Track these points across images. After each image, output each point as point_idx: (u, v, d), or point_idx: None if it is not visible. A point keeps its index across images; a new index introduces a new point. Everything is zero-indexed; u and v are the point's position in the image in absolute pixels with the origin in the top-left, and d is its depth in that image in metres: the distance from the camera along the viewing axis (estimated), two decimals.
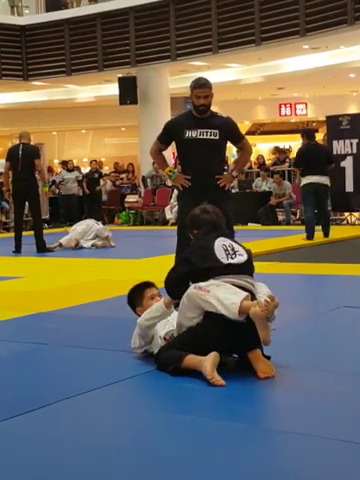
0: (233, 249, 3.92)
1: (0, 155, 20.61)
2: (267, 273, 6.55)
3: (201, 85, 5.40)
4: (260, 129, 29.82)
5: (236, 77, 21.16)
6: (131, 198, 18.53)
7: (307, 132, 11.96)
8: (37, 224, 11.09)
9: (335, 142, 14.22)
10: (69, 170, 18.51)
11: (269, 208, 15.39)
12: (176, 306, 4.04)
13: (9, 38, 19.53)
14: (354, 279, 7.15)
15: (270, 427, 3.03)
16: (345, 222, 14.92)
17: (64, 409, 3.34)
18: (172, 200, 16.23)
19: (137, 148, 20.15)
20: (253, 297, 3.75)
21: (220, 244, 3.93)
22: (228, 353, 3.87)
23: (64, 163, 20.73)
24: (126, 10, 18.33)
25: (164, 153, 5.91)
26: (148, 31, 18.09)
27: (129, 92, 18.66)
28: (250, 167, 18.21)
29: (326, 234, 11.20)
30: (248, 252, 4.01)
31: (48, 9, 20.06)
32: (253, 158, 19.68)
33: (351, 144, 14.41)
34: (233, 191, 14.23)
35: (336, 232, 12.26)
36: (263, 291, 3.84)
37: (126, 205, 18.40)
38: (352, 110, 23.30)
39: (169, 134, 5.63)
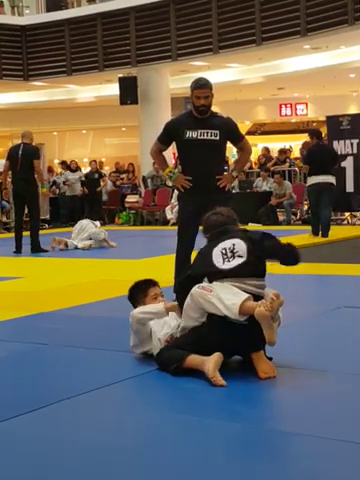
0: (232, 251, 3.87)
1: (0, 155, 20.58)
2: (267, 273, 6.53)
3: (201, 86, 5.39)
4: (260, 129, 29.82)
5: (236, 77, 21.16)
6: (131, 198, 18.53)
7: (316, 132, 12.15)
8: (34, 224, 11.09)
9: (335, 142, 14.22)
10: (72, 170, 18.52)
11: (270, 208, 15.39)
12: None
13: (9, 38, 19.53)
14: (354, 279, 7.15)
15: (271, 427, 3.03)
16: (345, 222, 14.92)
17: (64, 409, 3.34)
18: (173, 200, 16.24)
19: (137, 148, 20.14)
20: (258, 299, 3.71)
21: (220, 248, 3.91)
22: (230, 355, 3.86)
23: (63, 163, 20.76)
24: (126, 10, 18.33)
25: (164, 153, 5.91)
26: (149, 31, 18.09)
27: (129, 92, 18.66)
28: (250, 167, 18.20)
29: (324, 234, 11.31)
30: (256, 245, 3.88)
31: (48, 9, 20.06)
32: (254, 158, 19.67)
33: (351, 144, 14.42)
34: (233, 191, 14.23)
35: (336, 232, 12.26)
36: (269, 293, 3.81)
37: (126, 205, 18.40)
38: (352, 110, 23.29)
39: (169, 134, 5.63)
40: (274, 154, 19.71)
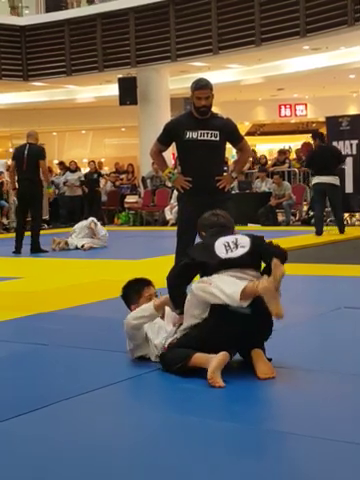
0: (235, 243, 3.90)
1: (0, 155, 20.58)
2: None
3: (202, 86, 5.39)
4: (260, 130, 29.83)
5: (236, 78, 21.16)
6: (131, 198, 18.53)
7: (318, 134, 12.57)
8: (35, 225, 11.08)
9: (335, 143, 14.21)
10: (72, 171, 18.51)
11: (269, 209, 15.39)
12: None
13: (9, 38, 19.53)
14: (354, 280, 7.15)
15: (271, 428, 3.03)
16: (345, 222, 14.91)
17: (64, 410, 3.34)
18: (172, 201, 16.24)
19: (137, 149, 20.15)
20: None
21: (222, 242, 3.92)
22: (234, 348, 3.81)
23: (61, 164, 20.75)
24: (126, 10, 18.33)
25: (163, 154, 5.91)
26: (148, 31, 18.09)
27: (129, 93, 18.66)
28: (250, 168, 18.21)
29: (341, 230, 11.99)
30: (255, 240, 3.94)
31: (48, 9, 20.05)
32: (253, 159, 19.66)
33: (351, 145, 14.42)
34: (233, 192, 14.24)
35: (336, 233, 12.27)
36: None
37: (126, 205, 18.40)
38: (352, 111, 23.30)
39: (169, 135, 5.62)
40: (266, 155, 19.84)
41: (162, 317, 4.12)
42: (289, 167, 17.45)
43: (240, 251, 3.86)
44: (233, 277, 3.76)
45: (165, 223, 16.44)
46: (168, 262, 5.85)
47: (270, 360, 3.75)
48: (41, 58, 19.59)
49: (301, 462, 2.65)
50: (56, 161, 23.76)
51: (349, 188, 14.13)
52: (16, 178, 11.08)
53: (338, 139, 14.30)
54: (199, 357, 3.68)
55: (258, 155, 20.18)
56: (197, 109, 5.41)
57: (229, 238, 3.95)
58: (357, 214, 14.87)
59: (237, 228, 4.45)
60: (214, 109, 5.57)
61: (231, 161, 17.33)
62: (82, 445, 2.91)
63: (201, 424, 3.07)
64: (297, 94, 25.65)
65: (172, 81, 19.54)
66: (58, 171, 20.83)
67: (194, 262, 3.89)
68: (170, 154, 15.68)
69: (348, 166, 14.09)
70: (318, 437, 2.86)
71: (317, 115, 26.48)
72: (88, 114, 25.37)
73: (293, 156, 19.83)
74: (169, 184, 15.77)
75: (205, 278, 3.81)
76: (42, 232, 11.39)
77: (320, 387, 3.58)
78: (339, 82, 21.98)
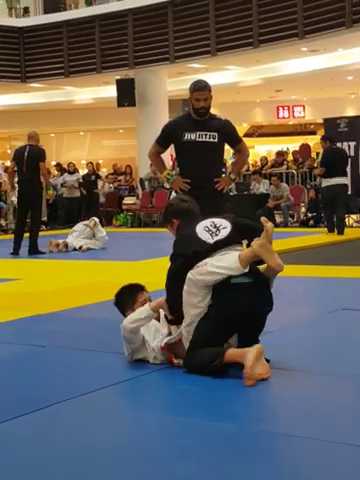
0: (215, 226, 3.96)
1: None
2: None
3: (201, 88, 5.39)
4: (258, 131, 29.85)
5: (234, 79, 21.17)
6: (129, 200, 18.53)
7: (329, 136, 12.98)
8: (34, 226, 11.07)
9: None
10: (70, 172, 18.50)
11: (267, 210, 15.39)
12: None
13: (7, 40, 19.52)
14: (352, 281, 7.16)
15: (269, 429, 3.03)
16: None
17: (62, 411, 3.34)
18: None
19: (135, 150, 20.15)
20: None
21: (202, 227, 3.96)
22: (244, 327, 3.82)
23: (58, 166, 20.74)
24: (124, 12, 18.34)
25: (161, 155, 5.90)
26: (146, 33, 18.10)
27: (127, 94, 18.67)
28: (248, 169, 18.23)
29: (340, 231, 12.20)
30: (233, 219, 4.04)
31: (46, 11, 20.05)
32: (251, 160, 19.68)
33: (349, 147, 14.44)
34: (231, 193, 14.24)
35: (333, 235, 12.29)
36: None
37: (124, 207, 18.40)
38: (350, 112, 23.33)
39: (168, 137, 5.62)
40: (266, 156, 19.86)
41: (158, 319, 4.12)
42: (287, 169, 17.46)
43: (224, 232, 3.93)
44: (224, 254, 3.82)
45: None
46: (166, 264, 5.86)
47: (268, 361, 3.75)
48: (39, 59, 19.59)
49: (300, 464, 2.65)
50: (54, 162, 23.77)
51: (343, 191, 14.11)
52: (16, 180, 11.08)
53: (336, 141, 14.29)
54: (232, 352, 3.67)
55: (258, 157, 20.21)
56: (196, 111, 5.41)
57: (205, 223, 3.99)
58: (355, 216, 14.87)
59: None
60: (212, 111, 5.56)
61: (229, 163, 17.36)
62: (81, 446, 2.91)
63: (199, 425, 3.07)
64: (295, 96, 25.67)
65: (170, 83, 19.55)
66: (55, 173, 20.83)
67: (188, 257, 3.87)
68: (168, 155, 15.68)
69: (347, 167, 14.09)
70: (317, 439, 2.86)
71: (315, 117, 26.50)
72: (86, 115, 25.37)
73: (290, 158, 19.84)
74: (167, 186, 15.76)
75: (199, 263, 3.81)
76: (40, 233, 11.39)
77: (318, 388, 3.58)
78: (337, 84, 22.00)
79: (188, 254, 3.87)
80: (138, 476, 2.60)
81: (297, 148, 21.47)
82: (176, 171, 6.42)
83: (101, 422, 3.21)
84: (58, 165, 20.78)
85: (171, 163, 16.18)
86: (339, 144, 14.10)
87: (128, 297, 4.21)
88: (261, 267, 3.88)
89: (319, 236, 12.25)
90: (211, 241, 3.88)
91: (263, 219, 3.82)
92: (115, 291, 4.32)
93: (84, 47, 19.10)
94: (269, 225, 3.77)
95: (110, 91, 20.06)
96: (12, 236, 11.40)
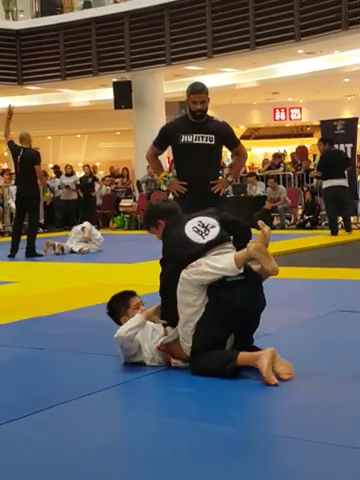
0: (203, 225, 3.98)
1: None
2: None
3: (198, 90, 5.38)
4: (255, 133, 29.87)
5: (231, 82, 21.19)
6: (126, 202, 18.52)
7: (328, 138, 13.19)
8: (32, 229, 11.07)
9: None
10: (68, 175, 18.48)
11: (264, 212, 15.40)
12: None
13: (4, 43, 19.51)
14: (349, 283, 7.17)
15: (267, 432, 3.03)
16: (340, 226, 14.93)
17: (61, 414, 3.34)
18: None
19: (132, 152, 20.14)
20: None
21: (190, 228, 3.97)
22: (241, 324, 3.84)
23: (56, 168, 20.73)
24: (121, 15, 18.34)
25: (158, 157, 5.90)
26: (143, 36, 18.10)
27: (124, 96, 18.67)
28: (245, 172, 18.22)
29: (348, 229, 12.84)
30: (219, 216, 4.07)
31: (43, 14, 20.05)
32: (248, 163, 19.68)
33: (345, 149, 14.45)
34: (228, 196, 14.24)
35: (329, 237, 12.30)
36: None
37: (121, 209, 18.40)
38: (347, 115, 23.33)
39: (165, 139, 5.61)
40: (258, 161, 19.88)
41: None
42: (284, 171, 17.47)
43: (214, 231, 3.96)
44: (217, 254, 3.85)
45: None
46: None
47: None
48: (36, 62, 19.58)
49: (297, 466, 2.65)
50: (51, 165, 23.75)
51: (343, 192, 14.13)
52: (13, 182, 11.08)
53: (333, 143, 14.31)
54: (244, 355, 3.68)
55: (255, 159, 20.19)
56: (193, 113, 5.40)
57: (193, 222, 4.01)
58: (351, 218, 14.88)
59: None
60: (209, 113, 5.55)
61: (226, 165, 17.36)
62: (80, 448, 2.91)
63: (196, 427, 3.07)
64: (292, 98, 25.70)
65: (167, 85, 19.55)
66: (53, 175, 20.83)
67: (183, 259, 3.86)
68: (165, 158, 15.67)
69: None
70: (314, 441, 2.86)
71: (312, 119, 26.52)
72: (83, 118, 25.37)
73: (288, 160, 19.85)
74: (164, 188, 15.76)
75: (193, 263, 3.82)
76: (37, 236, 11.38)
77: (315, 390, 3.58)
78: (334, 86, 22.03)
79: (181, 258, 3.87)
80: (136, 478, 2.60)
81: (294, 150, 21.48)
82: (173, 173, 6.42)
83: (99, 424, 3.20)
84: (55, 167, 20.77)
85: (168, 165, 16.17)
86: (336, 146, 14.11)
87: (121, 303, 4.20)
88: (254, 267, 3.89)
89: (316, 238, 12.26)
90: (203, 242, 3.90)
91: (260, 223, 3.85)
92: (112, 294, 4.31)
93: (81, 50, 19.09)
94: (266, 229, 3.80)
95: (107, 93, 20.06)
96: (9, 239, 11.38)
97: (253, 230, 4.20)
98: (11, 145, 10.96)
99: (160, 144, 5.66)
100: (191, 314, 3.80)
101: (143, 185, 18.20)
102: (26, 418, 3.25)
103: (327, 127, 15.10)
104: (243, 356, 3.68)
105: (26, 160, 10.64)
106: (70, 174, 18.54)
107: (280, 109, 26.92)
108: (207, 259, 3.81)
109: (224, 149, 5.73)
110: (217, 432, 3.01)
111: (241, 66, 19.54)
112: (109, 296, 4.30)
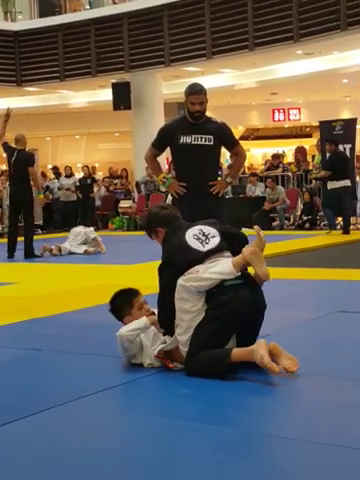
0: (204, 234, 3.99)
1: None
2: None
3: (196, 91, 5.38)
4: (254, 134, 29.88)
5: (230, 82, 21.19)
6: (125, 203, 18.52)
7: (334, 140, 13.52)
8: (28, 230, 11.08)
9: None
10: (67, 176, 18.48)
11: (263, 213, 15.41)
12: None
13: (2, 44, 19.52)
14: (349, 283, 7.17)
15: (265, 433, 3.03)
16: (339, 226, 14.94)
17: (60, 415, 3.34)
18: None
19: (131, 153, 20.15)
20: None
21: (191, 236, 3.98)
22: (243, 325, 3.84)
23: (55, 169, 20.72)
24: (120, 16, 18.35)
25: (157, 158, 5.90)
26: (142, 36, 18.11)
27: (123, 97, 18.67)
28: (244, 172, 18.22)
29: (346, 231, 12.96)
30: (219, 227, 4.09)
31: (41, 15, 20.06)
32: (247, 163, 19.67)
33: (344, 149, 14.45)
34: (227, 196, 14.24)
35: (329, 237, 12.31)
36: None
37: (120, 210, 18.39)
38: (345, 115, 23.34)
39: (164, 139, 5.61)
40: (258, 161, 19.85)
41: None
42: (283, 171, 17.47)
43: (214, 241, 3.97)
44: (214, 261, 3.87)
45: None
46: None
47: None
48: (34, 63, 19.59)
49: (296, 467, 2.65)
50: (50, 166, 23.74)
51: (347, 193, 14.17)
52: (8, 183, 11.09)
53: None
54: (238, 351, 3.68)
55: (254, 160, 20.18)
56: (191, 114, 5.40)
57: (194, 230, 4.01)
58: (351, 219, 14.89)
59: None
60: (207, 114, 5.55)
61: (225, 166, 17.37)
62: (79, 449, 2.90)
63: (195, 429, 3.07)
64: (291, 98, 25.71)
65: (166, 86, 19.56)
66: (52, 176, 20.83)
67: (181, 265, 3.86)
68: (163, 159, 15.68)
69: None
70: (314, 442, 2.86)
71: (311, 119, 26.53)
72: (82, 119, 25.37)
73: (287, 160, 19.83)
74: (163, 189, 15.77)
75: (190, 269, 3.82)
76: (37, 237, 11.39)
77: (315, 391, 3.58)
78: (332, 87, 22.04)
79: (179, 263, 3.88)
80: (135, 479, 2.60)
81: (293, 151, 21.49)
82: (172, 174, 6.42)
83: (98, 425, 3.20)
84: (55, 168, 20.76)
85: (167, 166, 16.18)
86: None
87: (124, 302, 4.16)
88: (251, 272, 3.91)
89: (315, 239, 12.26)
90: (203, 249, 3.91)
91: (256, 227, 3.88)
92: (111, 294, 4.30)
93: (79, 51, 19.10)
94: (262, 233, 3.82)
95: (106, 94, 20.06)
96: (6, 240, 11.40)
97: (251, 231, 4.20)
98: (5, 146, 11.01)
99: (159, 145, 5.66)
100: (190, 320, 3.80)
101: (142, 186, 18.20)
102: (25, 419, 3.25)
103: (326, 128, 15.11)
104: (237, 352, 3.67)
105: (20, 161, 10.65)
106: (69, 175, 18.53)
107: (279, 110, 26.93)
108: (204, 266, 3.83)
109: (223, 150, 5.73)
110: (216, 433, 3.01)
111: (240, 67, 19.55)
112: (108, 297, 4.28)
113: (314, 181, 15.78)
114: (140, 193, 18.16)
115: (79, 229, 11.93)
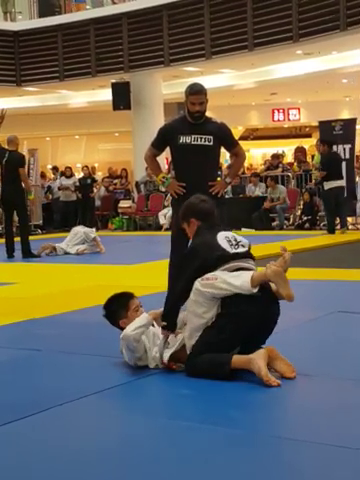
0: (235, 240, 3.98)
1: None
2: None
3: (196, 92, 5.37)
4: (253, 134, 29.87)
5: (229, 82, 21.18)
6: (124, 203, 18.52)
7: (329, 141, 13.60)
8: (23, 230, 11.11)
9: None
10: (68, 176, 18.48)
11: (263, 213, 15.41)
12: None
13: (2, 44, 19.51)
14: (349, 284, 7.16)
15: (268, 433, 3.02)
16: (336, 227, 14.94)
17: (59, 415, 3.33)
18: (166, 205, 16.25)
19: (131, 153, 20.14)
20: None
21: (223, 237, 3.97)
22: (254, 335, 3.83)
23: (55, 169, 20.70)
24: (119, 16, 18.34)
25: (157, 158, 5.89)
26: (141, 36, 18.10)
27: (122, 97, 18.66)
28: (243, 172, 18.21)
29: (343, 225, 13.32)
30: (248, 242, 4.08)
31: (41, 15, 20.05)
32: (247, 163, 19.66)
33: (344, 149, 14.46)
34: (226, 196, 14.24)
35: (330, 237, 12.30)
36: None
37: (119, 210, 18.39)
38: (345, 115, 23.34)
39: (163, 139, 5.61)
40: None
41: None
42: (283, 171, 17.47)
43: (242, 249, 3.96)
44: (237, 266, 3.84)
45: (159, 228, 16.44)
46: (162, 267, 5.85)
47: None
48: (34, 63, 19.57)
49: (299, 467, 2.64)
50: (50, 166, 23.74)
51: (343, 192, 14.16)
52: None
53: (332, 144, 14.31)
54: (239, 358, 3.67)
55: (253, 160, 20.18)
56: (191, 114, 5.40)
57: (227, 234, 4.01)
58: (350, 218, 14.90)
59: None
60: (207, 114, 5.55)
61: (225, 166, 17.37)
62: (78, 449, 2.90)
63: (198, 430, 3.06)
64: (290, 99, 25.71)
65: (165, 86, 19.55)
66: (52, 176, 20.81)
67: (207, 260, 3.84)
68: (163, 159, 15.68)
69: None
70: (316, 442, 2.85)
71: (310, 119, 26.52)
72: (81, 119, 25.35)
73: (286, 160, 19.82)
74: (163, 189, 15.77)
75: (209, 274, 3.80)
76: (36, 237, 11.43)
77: (316, 391, 3.58)
78: (332, 87, 22.04)
79: (205, 256, 3.85)
80: (135, 479, 2.60)
81: (292, 151, 21.50)
82: (172, 174, 6.41)
83: (98, 426, 3.20)
84: (55, 168, 20.75)
85: (166, 166, 16.17)
86: (334, 147, 14.11)
87: (120, 306, 4.13)
88: (272, 286, 3.87)
89: (315, 239, 12.25)
90: (231, 251, 3.90)
91: (282, 247, 3.84)
92: (110, 294, 4.29)
93: (79, 51, 19.09)
94: (287, 254, 3.75)
95: (105, 94, 20.05)
96: (3, 241, 11.44)
97: (250, 231, 4.19)
98: None
99: (158, 145, 5.66)
100: (199, 325, 3.80)
101: (142, 186, 18.20)
102: (24, 419, 3.24)
103: (326, 128, 15.10)
104: (237, 359, 3.67)
105: (11, 162, 10.74)
106: (70, 176, 18.52)
107: (278, 110, 26.93)
108: (224, 274, 3.79)
109: (223, 150, 5.73)
110: (218, 434, 3.00)
111: (239, 67, 19.54)
112: (108, 298, 4.27)
113: (314, 181, 15.78)
114: (140, 193, 18.15)
115: (78, 229, 11.92)
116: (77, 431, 3.14)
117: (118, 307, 4.13)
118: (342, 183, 13.09)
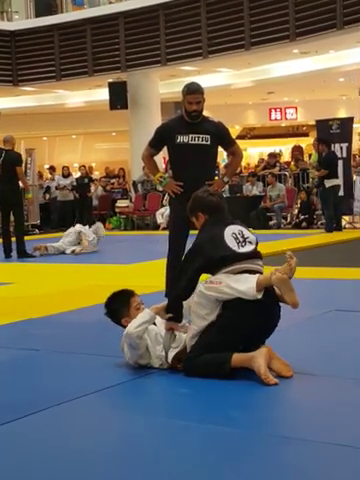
0: (243, 236, 3.93)
1: None
2: None
3: (194, 91, 5.37)
4: (250, 133, 29.88)
5: (226, 82, 21.19)
6: (122, 203, 18.51)
7: (327, 141, 13.78)
8: (19, 229, 11.11)
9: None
10: (65, 176, 18.46)
11: (260, 212, 15.41)
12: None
13: None
14: (346, 283, 7.17)
15: (268, 432, 3.02)
16: (335, 225, 14.94)
17: (58, 414, 3.33)
18: (164, 203, 16.25)
19: (128, 153, 20.14)
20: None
21: (230, 233, 3.92)
22: (255, 336, 3.83)
23: (52, 168, 20.68)
24: (116, 15, 18.33)
25: (154, 158, 5.89)
26: (138, 36, 18.09)
27: (119, 97, 18.65)
28: (241, 171, 18.21)
29: (339, 227, 13.41)
30: (256, 239, 4.04)
31: (38, 14, 20.03)
32: (244, 162, 19.67)
33: (341, 148, 14.47)
34: (224, 196, 14.23)
35: (327, 236, 12.31)
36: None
37: (117, 210, 18.38)
38: (342, 114, 23.36)
39: (161, 139, 5.61)
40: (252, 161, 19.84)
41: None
42: (280, 170, 17.48)
43: (249, 247, 3.92)
44: (243, 268, 3.81)
45: (156, 227, 16.44)
46: (160, 266, 5.85)
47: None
48: (31, 63, 19.55)
49: (298, 466, 2.65)
50: (47, 166, 23.72)
51: (340, 191, 14.17)
52: None
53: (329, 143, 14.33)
54: (239, 357, 3.67)
55: (250, 159, 20.19)
56: (188, 113, 5.40)
57: (234, 229, 3.95)
58: (347, 217, 14.91)
59: None
60: (204, 113, 5.55)
61: (222, 165, 17.37)
62: (77, 449, 2.90)
63: (197, 429, 3.06)
64: (287, 98, 25.72)
65: (162, 85, 19.55)
66: (49, 176, 20.79)
67: (211, 259, 3.82)
68: (160, 158, 15.68)
69: (338, 169, 14.14)
70: (315, 441, 2.86)
71: (307, 118, 26.55)
72: (78, 119, 25.35)
73: (284, 159, 19.83)
74: (160, 188, 15.76)
75: (213, 278, 3.80)
76: (34, 237, 11.41)
77: (314, 390, 3.58)
78: (329, 85, 22.05)
79: (209, 255, 3.83)
80: (135, 479, 2.60)
81: (289, 150, 21.51)
82: (169, 174, 6.41)
83: (97, 425, 3.20)
84: (51, 168, 20.73)
85: (164, 166, 16.17)
86: (331, 146, 14.12)
87: (122, 304, 4.11)
88: (276, 290, 3.86)
89: (313, 238, 12.26)
90: (237, 250, 3.86)
91: (289, 254, 3.80)
92: (108, 294, 4.28)
93: (76, 50, 19.08)
94: (293, 261, 3.74)
95: (102, 94, 20.05)
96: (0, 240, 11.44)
97: (250, 230, 4.18)
98: None
99: (156, 145, 5.66)
100: (202, 327, 3.80)
101: (139, 185, 18.18)
102: (23, 419, 3.24)
103: (323, 127, 15.11)
104: (237, 357, 3.67)
105: (8, 162, 10.75)
106: (67, 175, 18.51)
107: (275, 109, 26.95)
108: (228, 278, 3.77)
109: (220, 149, 5.73)
110: (215, 433, 3.00)
111: (236, 66, 19.55)
112: (106, 297, 4.26)
113: (311, 180, 15.78)
114: (137, 193, 18.14)
115: (71, 229, 11.89)
116: (76, 430, 3.14)
117: (119, 305, 4.12)
118: (338, 181, 13.24)
